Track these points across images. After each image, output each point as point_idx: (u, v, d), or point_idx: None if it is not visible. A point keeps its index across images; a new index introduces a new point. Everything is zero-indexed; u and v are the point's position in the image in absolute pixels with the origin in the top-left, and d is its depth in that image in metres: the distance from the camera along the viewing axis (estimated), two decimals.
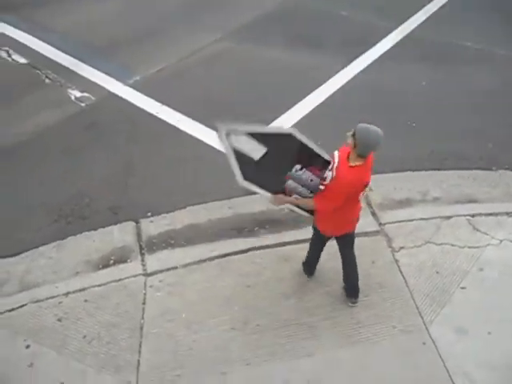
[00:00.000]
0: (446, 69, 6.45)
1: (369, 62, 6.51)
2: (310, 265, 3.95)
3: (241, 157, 3.11)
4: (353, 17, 7.50)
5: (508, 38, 6.92)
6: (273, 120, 5.50)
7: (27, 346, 3.61)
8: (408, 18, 7.43)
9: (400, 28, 7.19)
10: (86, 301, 3.90)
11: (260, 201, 4.63)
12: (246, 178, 3.18)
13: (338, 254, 3.71)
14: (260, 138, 3.10)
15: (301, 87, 5.99)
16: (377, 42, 6.88)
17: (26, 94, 5.98)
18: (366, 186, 3.18)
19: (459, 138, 5.38)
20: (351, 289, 3.82)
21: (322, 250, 3.78)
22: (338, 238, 3.60)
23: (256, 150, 3.12)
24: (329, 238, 3.62)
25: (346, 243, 3.63)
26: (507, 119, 5.59)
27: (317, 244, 3.74)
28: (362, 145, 3.00)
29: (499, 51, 6.71)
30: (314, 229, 3.62)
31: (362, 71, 6.33)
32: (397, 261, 4.14)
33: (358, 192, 3.20)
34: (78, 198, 4.74)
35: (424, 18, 7.48)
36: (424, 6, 7.75)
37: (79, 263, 4.19)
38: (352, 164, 3.09)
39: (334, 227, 3.48)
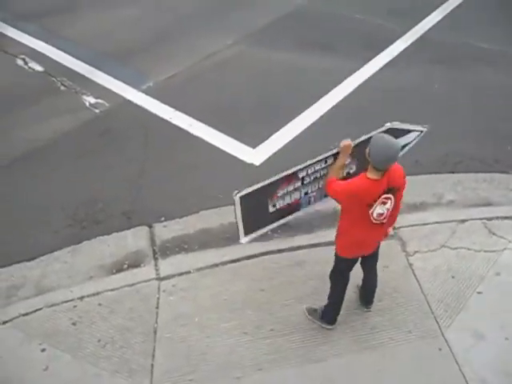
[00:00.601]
0: (460, 70, 6.38)
1: (383, 63, 6.48)
2: (337, 308, 3.62)
3: None
4: (367, 19, 7.47)
5: None
6: (285, 124, 5.52)
7: (42, 350, 3.65)
8: (422, 19, 7.39)
9: (414, 29, 7.15)
10: (100, 305, 3.93)
11: None
12: None
13: None
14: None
15: (314, 90, 5.98)
16: (391, 44, 6.84)
17: (41, 101, 6.07)
18: (370, 204, 3.00)
19: (474, 140, 5.31)
20: (369, 295, 3.76)
21: (346, 286, 3.55)
22: (362, 258, 3.46)
23: None
24: (352, 266, 3.45)
25: (371, 259, 3.54)
26: None
27: (340, 279, 3.51)
28: (374, 156, 2.87)
29: None
30: (336, 259, 3.43)
31: (375, 73, 6.29)
32: (411, 265, 4.09)
33: (361, 205, 3.01)
34: (92, 202, 4.79)
35: (438, 18, 7.43)
36: (438, 6, 7.69)
37: (93, 268, 4.23)
38: (369, 176, 2.95)
39: (351, 246, 3.30)
